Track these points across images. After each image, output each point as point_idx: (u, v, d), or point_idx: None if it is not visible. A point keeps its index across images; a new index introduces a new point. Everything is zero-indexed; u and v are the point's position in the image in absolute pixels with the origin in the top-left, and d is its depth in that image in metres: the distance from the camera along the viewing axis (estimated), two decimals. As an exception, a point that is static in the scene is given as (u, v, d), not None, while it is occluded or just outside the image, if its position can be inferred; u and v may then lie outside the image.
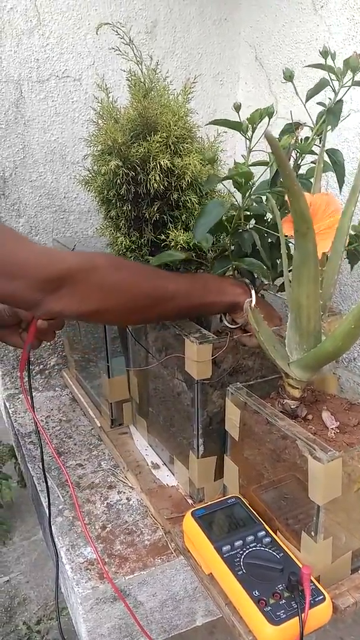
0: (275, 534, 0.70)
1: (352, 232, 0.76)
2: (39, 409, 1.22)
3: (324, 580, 0.66)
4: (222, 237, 0.89)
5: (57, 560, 0.81)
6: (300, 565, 0.64)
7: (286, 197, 0.62)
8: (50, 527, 0.84)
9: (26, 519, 1.63)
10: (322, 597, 0.62)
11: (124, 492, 0.93)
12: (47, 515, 0.85)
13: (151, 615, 0.80)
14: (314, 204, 0.65)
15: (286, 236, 0.67)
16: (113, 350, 1.03)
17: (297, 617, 0.58)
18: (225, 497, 0.78)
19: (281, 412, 0.72)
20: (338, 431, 0.70)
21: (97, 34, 1.14)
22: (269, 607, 0.59)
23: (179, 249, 0.82)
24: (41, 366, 1.35)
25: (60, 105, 1.19)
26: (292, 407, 0.73)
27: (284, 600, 0.60)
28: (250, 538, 0.69)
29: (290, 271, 0.64)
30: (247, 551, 0.67)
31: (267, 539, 0.69)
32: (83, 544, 0.81)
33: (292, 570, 0.62)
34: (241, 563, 0.65)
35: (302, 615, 0.58)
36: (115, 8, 1.18)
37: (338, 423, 0.71)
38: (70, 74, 1.18)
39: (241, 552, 0.67)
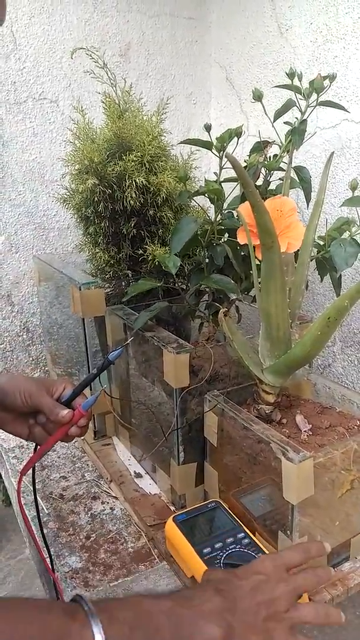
0: (254, 535, 0.73)
1: (321, 242, 0.80)
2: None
3: (301, 578, 0.68)
4: (197, 251, 0.92)
5: (52, 565, 0.79)
6: (278, 564, 0.67)
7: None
8: (43, 534, 0.80)
9: (12, 538, 1.61)
10: (299, 593, 0.64)
11: (108, 502, 0.94)
12: (39, 524, 0.84)
13: (137, 622, 0.81)
14: (270, 209, 0.68)
15: (245, 245, 0.70)
16: (95, 364, 1.05)
17: (275, 613, 0.60)
18: (205, 502, 0.80)
19: (256, 417, 0.75)
20: (311, 433, 0.73)
21: (72, 58, 1.18)
22: (248, 605, 0.62)
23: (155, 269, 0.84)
24: (24, 381, 1.35)
25: (38, 126, 1.22)
26: (266, 411, 0.76)
27: (262, 598, 0.62)
28: (230, 540, 0.71)
29: (260, 282, 0.68)
30: (226, 553, 0.69)
31: (246, 540, 0.71)
32: (68, 554, 0.82)
33: (270, 569, 0.65)
34: (221, 564, 0.67)
35: (280, 611, 0.60)
36: (89, 32, 1.22)
37: (311, 426, 0.74)
38: (47, 96, 1.21)
39: (221, 554, 0.69)
